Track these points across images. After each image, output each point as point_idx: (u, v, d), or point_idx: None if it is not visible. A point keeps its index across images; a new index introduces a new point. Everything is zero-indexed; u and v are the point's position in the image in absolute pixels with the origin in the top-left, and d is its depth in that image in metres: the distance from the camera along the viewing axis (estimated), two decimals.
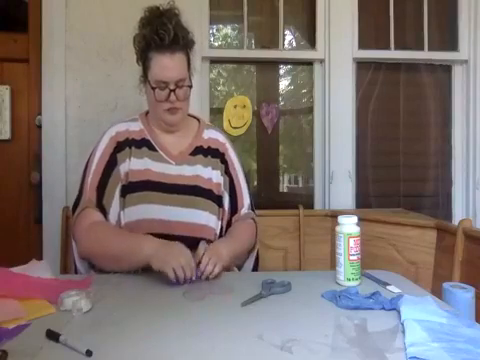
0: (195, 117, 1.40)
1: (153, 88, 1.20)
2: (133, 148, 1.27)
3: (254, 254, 1.35)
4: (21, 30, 2.06)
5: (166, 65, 1.18)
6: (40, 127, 2.03)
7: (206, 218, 1.25)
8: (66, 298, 0.85)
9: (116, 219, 1.22)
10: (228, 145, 1.38)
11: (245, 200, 1.35)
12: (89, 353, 0.66)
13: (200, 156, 1.31)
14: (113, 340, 0.72)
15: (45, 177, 2.01)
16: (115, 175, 1.23)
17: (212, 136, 1.36)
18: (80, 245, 1.18)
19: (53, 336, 0.72)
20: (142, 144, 1.28)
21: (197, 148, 1.32)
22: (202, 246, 1.13)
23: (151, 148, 1.28)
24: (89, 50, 2.03)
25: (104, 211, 1.20)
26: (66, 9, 2.02)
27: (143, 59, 1.23)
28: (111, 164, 1.24)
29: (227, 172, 1.34)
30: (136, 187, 1.22)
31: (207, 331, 0.76)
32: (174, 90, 1.19)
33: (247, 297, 0.93)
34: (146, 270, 1.07)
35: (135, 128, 1.31)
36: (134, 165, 1.25)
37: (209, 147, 1.34)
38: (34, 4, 2.03)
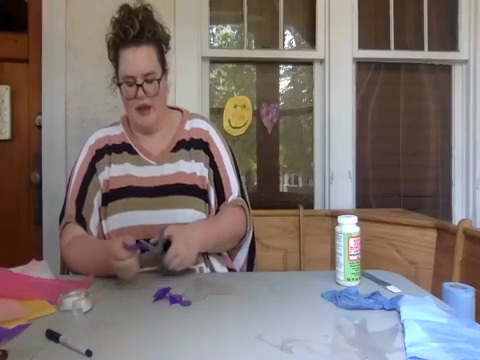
0: (179, 109, 1.35)
1: (120, 84, 1.18)
2: (113, 154, 1.25)
3: (247, 243, 1.31)
4: (21, 30, 2.06)
5: (130, 59, 1.15)
6: (40, 127, 2.03)
7: (191, 216, 1.19)
8: (66, 298, 0.85)
9: (97, 229, 1.22)
10: (212, 132, 1.31)
11: (233, 188, 1.27)
12: (89, 353, 0.65)
13: (182, 150, 1.26)
14: (113, 340, 0.72)
15: (45, 177, 2.01)
16: (93, 185, 1.23)
17: (195, 126, 1.30)
18: (66, 262, 1.22)
19: (53, 336, 0.72)
20: (122, 149, 1.26)
21: (179, 142, 1.27)
22: (173, 229, 1.05)
23: (131, 152, 1.26)
24: (89, 50, 2.03)
25: (84, 222, 1.20)
26: (66, 9, 2.02)
27: (114, 59, 1.21)
28: (89, 174, 1.24)
29: (212, 164, 1.27)
30: (117, 195, 1.21)
31: (207, 331, 0.76)
32: (141, 85, 1.15)
33: (247, 297, 0.94)
34: (145, 270, 1.07)
35: (116, 132, 1.29)
36: (114, 172, 1.23)
37: (191, 138, 1.28)
38: (34, 4, 2.03)
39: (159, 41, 1.21)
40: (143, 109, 1.19)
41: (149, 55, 1.17)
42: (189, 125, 1.31)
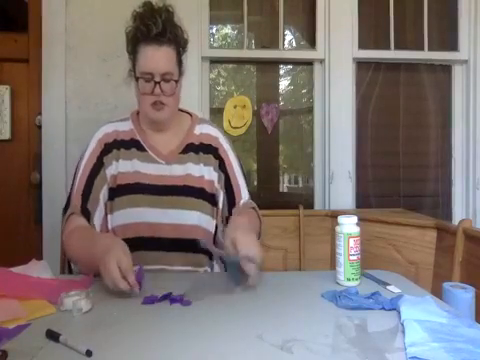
0: (188, 112, 1.37)
1: (138, 78, 1.18)
2: (122, 149, 1.25)
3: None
4: (21, 30, 2.07)
5: (151, 56, 1.16)
6: (40, 127, 2.03)
7: (196, 218, 1.21)
8: (66, 298, 0.85)
9: (101, 222, 1.22)
10: (221, 139, 1.33)
11: (243, 193, 1.29)
12: (89, 353, 0.65)
13: (191, 154, 1.27)
14: (113, 340, 0.72)
15: (45, 177, 2.01)
16: (100, 178, 1.23)
17: (204, 131, 1.32)
18: (66, 251, 1.21)
19: (53, 336, 0.72)
20: (131, 145, 1.26)
21: (188, 145, 1.28)
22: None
23: (140, 149, 1.26)
24: (89, 50, 2.03)
25: (89, 215, 1.20)
26: (66, 9, 2.02)
27: (132, 52, 1.21)
28: (97, 168, 1.23)
29: (222, 168, 1.30)
30: (124, 190, 1.21)
31: (207, 331, 0.76)
32: (159, 83, 1.16)
33: (247, 297, 0.94)
34: (149, 269, 1.07)
35: (125, 128, 1.29)
36: (122, 167, 1.24)
37: (201, 143, 1.30)
38: (34, 4, 2.03)
39: (179, 44, 1.22)
40: (157, 104, 1.19)
41: (169, 55, 1.18)
42: (199, 130, 1.32)
